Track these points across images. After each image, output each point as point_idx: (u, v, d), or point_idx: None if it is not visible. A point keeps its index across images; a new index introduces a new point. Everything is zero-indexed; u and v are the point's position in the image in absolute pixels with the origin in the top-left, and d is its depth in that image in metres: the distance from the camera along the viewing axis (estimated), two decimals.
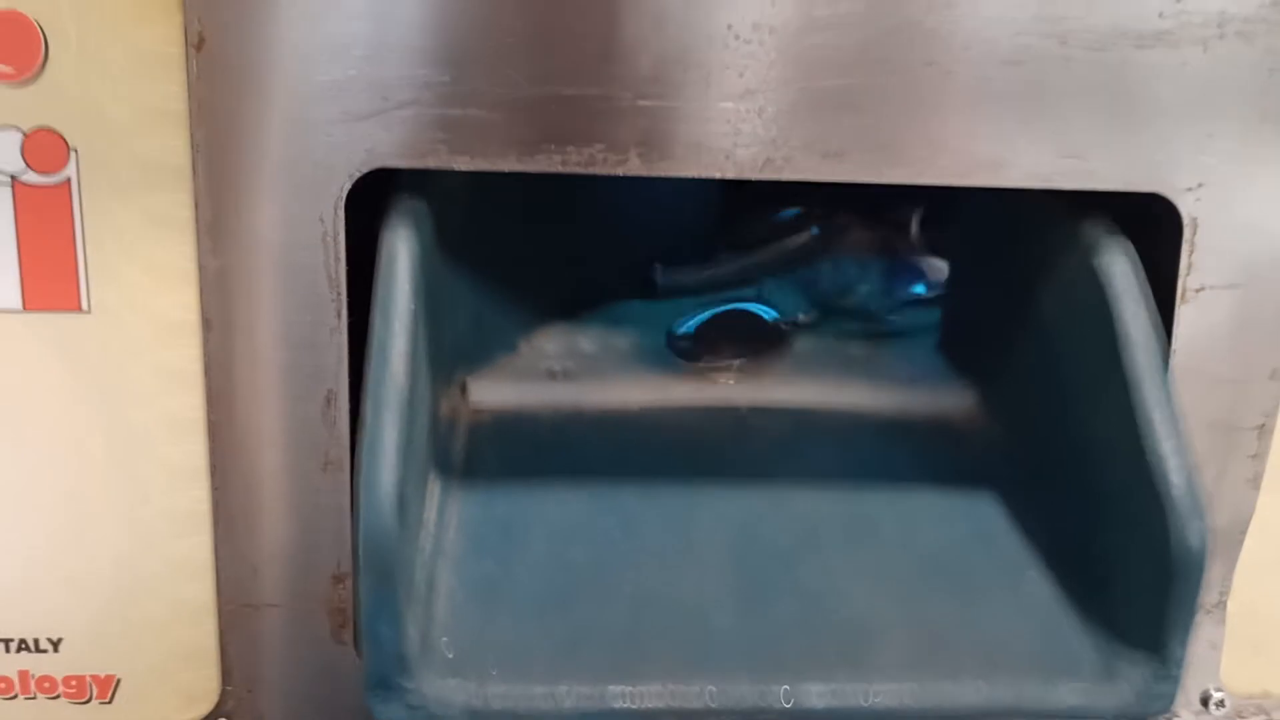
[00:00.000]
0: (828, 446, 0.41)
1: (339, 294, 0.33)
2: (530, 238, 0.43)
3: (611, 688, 0.32)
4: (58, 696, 0.36)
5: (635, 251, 0.47)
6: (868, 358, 0.45)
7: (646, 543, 0.37)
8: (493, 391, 0.41)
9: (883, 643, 0.34)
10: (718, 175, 0.32)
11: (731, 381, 0.43)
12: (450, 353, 0.39)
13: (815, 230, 0.51)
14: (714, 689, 0.32)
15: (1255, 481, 0.37)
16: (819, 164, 0.33)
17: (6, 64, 0.31)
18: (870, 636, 0.34)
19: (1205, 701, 0.40)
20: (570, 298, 0.45)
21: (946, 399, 0.43)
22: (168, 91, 0.31)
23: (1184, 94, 0.33)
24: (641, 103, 0.32)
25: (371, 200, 0.33)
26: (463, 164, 0.32)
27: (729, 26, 0.31)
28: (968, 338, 0.44)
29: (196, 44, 0.31)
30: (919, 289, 0.48)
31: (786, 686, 0.32)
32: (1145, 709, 0.33)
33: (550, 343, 0.44)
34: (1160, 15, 0.32)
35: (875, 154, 0.33)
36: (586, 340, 0.45)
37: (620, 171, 0.32)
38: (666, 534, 0.38)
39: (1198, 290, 0.35)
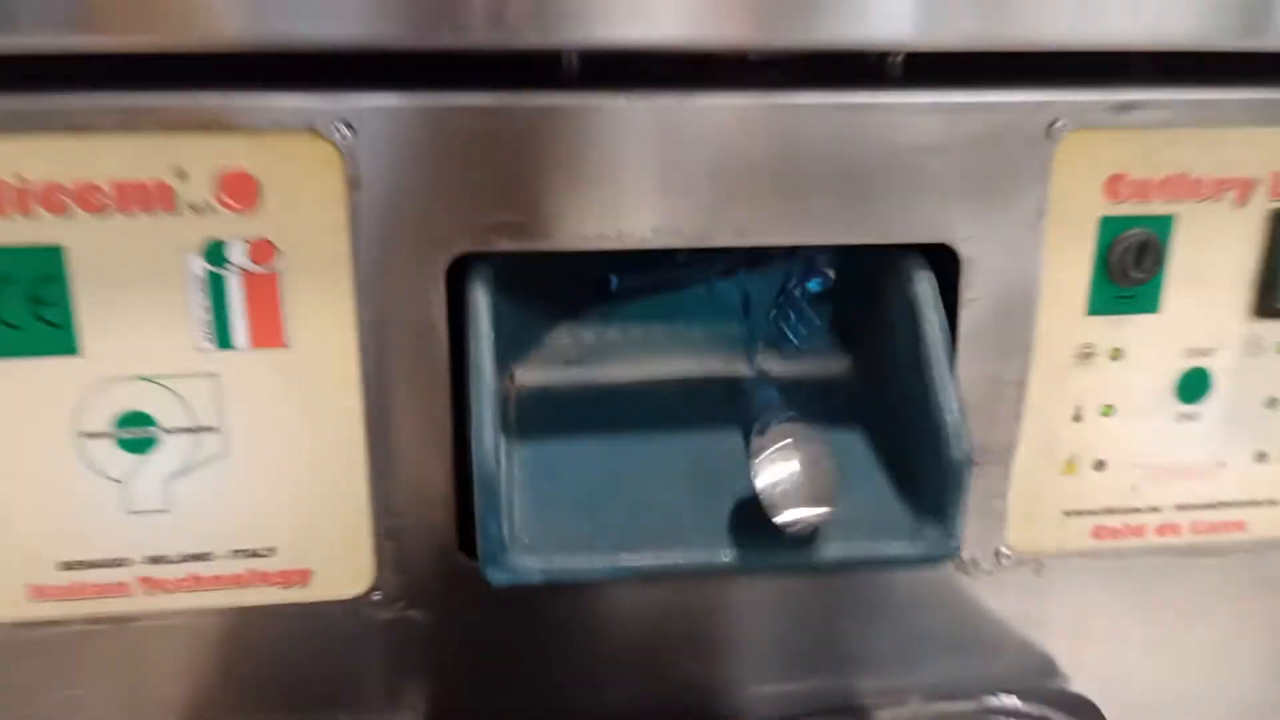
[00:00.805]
0: (753, 399, 0.61)
1: (443, 329, 0.52)
2: (547, 272, 0.61)
3: (622, 555, 0.51)
4: (273, 586, 0.56)
5: (616, 266, 0.65)
6: (780, 335, 0.65)
7: (640, 471, 0.54)
8: (531, 375, 0.58)
9: None
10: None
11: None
12: (505, 352, 0.57)
13: None
14: (681, 556, 0.51)
15: (1018, 417, 0.57)
16: (733, 237, 0.53)
17: (237, 202, 0.50)
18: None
19: (996, 555, 0.60)
20: (575, 305, 0.63)
21: (830, 365, 0.61)
22: (337, 213, 0.49)
23: (959, 182, 0.52)
24: None
25: (458, 266, 0.52)
26: (510, 247, 0.51)
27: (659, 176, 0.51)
28: (846, 322, 0.62)
29: (353, 184, 0.50)
30: (818, 285, 0.66)
31: (725, 552, 0.51)
32: (938, 557, 0.53)
33: (564, 339, 0.62)
34: (937, 134, 0.52)
35: (764, 231, 0.52)
36: (589, 335, 0.62)
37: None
38: (652, 464, 0.55)
39: (971, 299, 0.54)
